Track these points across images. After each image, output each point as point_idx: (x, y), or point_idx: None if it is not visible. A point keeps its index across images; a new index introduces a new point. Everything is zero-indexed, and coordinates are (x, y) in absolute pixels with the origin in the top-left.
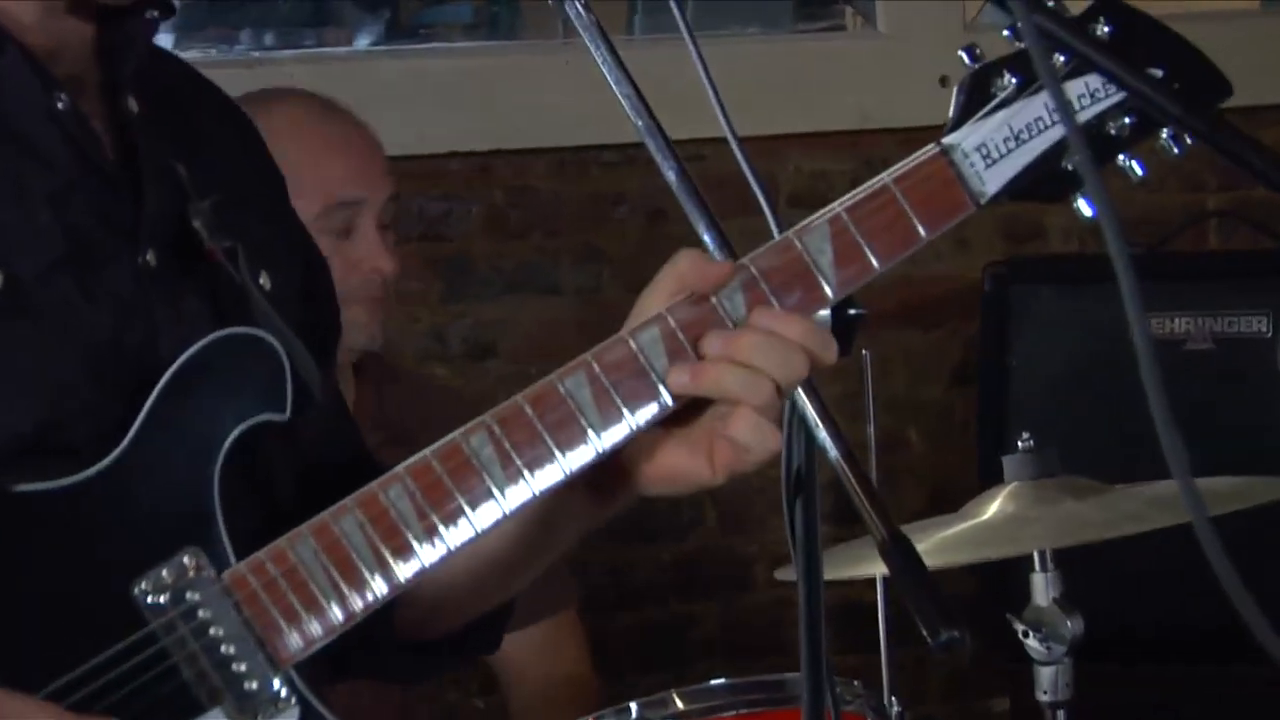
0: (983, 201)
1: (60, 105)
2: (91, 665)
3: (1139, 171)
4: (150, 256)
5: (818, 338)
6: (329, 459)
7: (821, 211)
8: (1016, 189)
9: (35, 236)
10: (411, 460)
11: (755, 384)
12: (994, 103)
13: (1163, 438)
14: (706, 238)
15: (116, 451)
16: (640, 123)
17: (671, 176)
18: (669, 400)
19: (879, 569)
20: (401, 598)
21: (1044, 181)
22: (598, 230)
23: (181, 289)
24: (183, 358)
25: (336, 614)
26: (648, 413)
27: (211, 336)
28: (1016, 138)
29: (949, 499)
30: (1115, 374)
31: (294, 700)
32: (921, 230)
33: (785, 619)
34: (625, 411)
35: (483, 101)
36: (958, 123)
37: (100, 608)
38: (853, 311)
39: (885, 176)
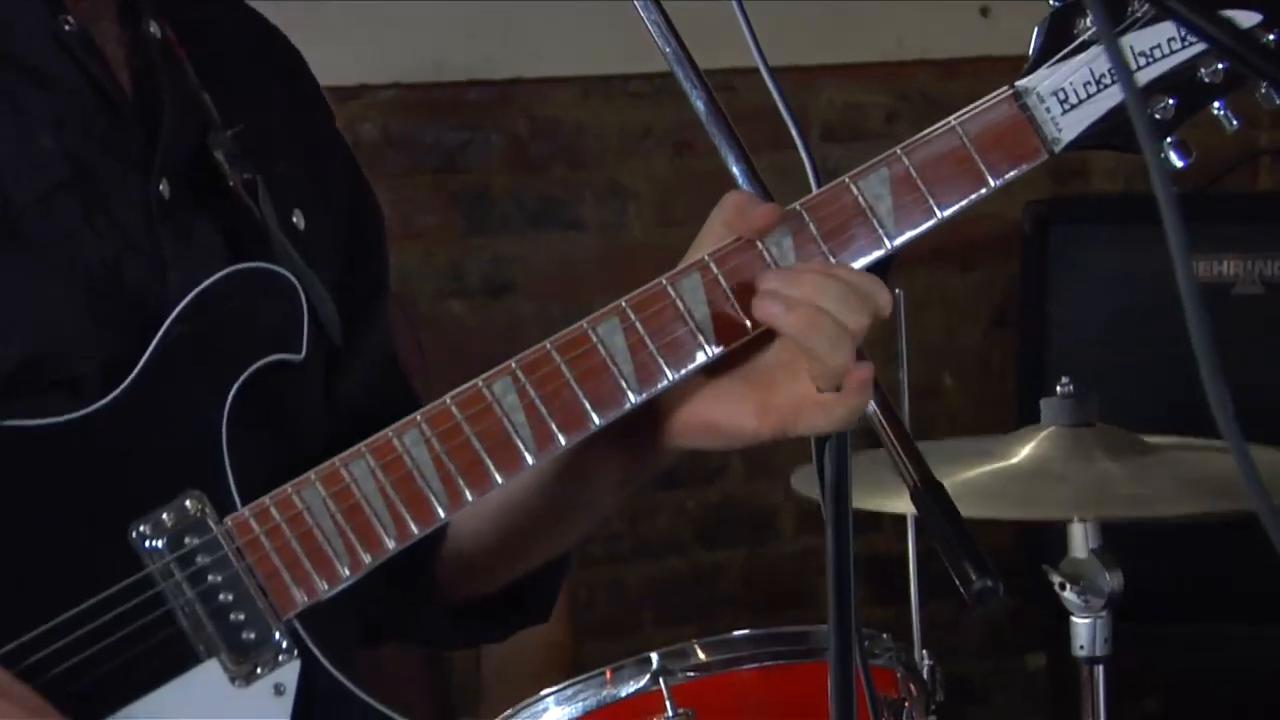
0: (1057, 149)
1: (68, 28)
2: (84, 607)
3: (1233, 123)
4: (163, 187)
5: (872, 285)
6: (373, 414)
7: (881, 156)
8: (1096, 137)
9: (34, 161)
10: (430, 406)
11: (820, 323)
12: (1075, 44)
13: (1209, 392)
14: (736, 171)
15: (121, 387)
16: (668, 50)
17: (700, 107)
18: (709, 349)
19: (909, 508)
20: (431, 554)
21: (1128, 129)
22: (623, 163)
23: (195, 222)
24: (195, 292)
25: (343, 563)
26: (686, 362)
27: (226, 271)
28: (1098, 82)
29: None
30: (1160, 320)
31: (296, 652)
32: (990, 177)
33: (811, 569)
34: (661, 361)
35: (503, 27)
36: (1035, 65)
37: (100, 549)
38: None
39: (952, 119)
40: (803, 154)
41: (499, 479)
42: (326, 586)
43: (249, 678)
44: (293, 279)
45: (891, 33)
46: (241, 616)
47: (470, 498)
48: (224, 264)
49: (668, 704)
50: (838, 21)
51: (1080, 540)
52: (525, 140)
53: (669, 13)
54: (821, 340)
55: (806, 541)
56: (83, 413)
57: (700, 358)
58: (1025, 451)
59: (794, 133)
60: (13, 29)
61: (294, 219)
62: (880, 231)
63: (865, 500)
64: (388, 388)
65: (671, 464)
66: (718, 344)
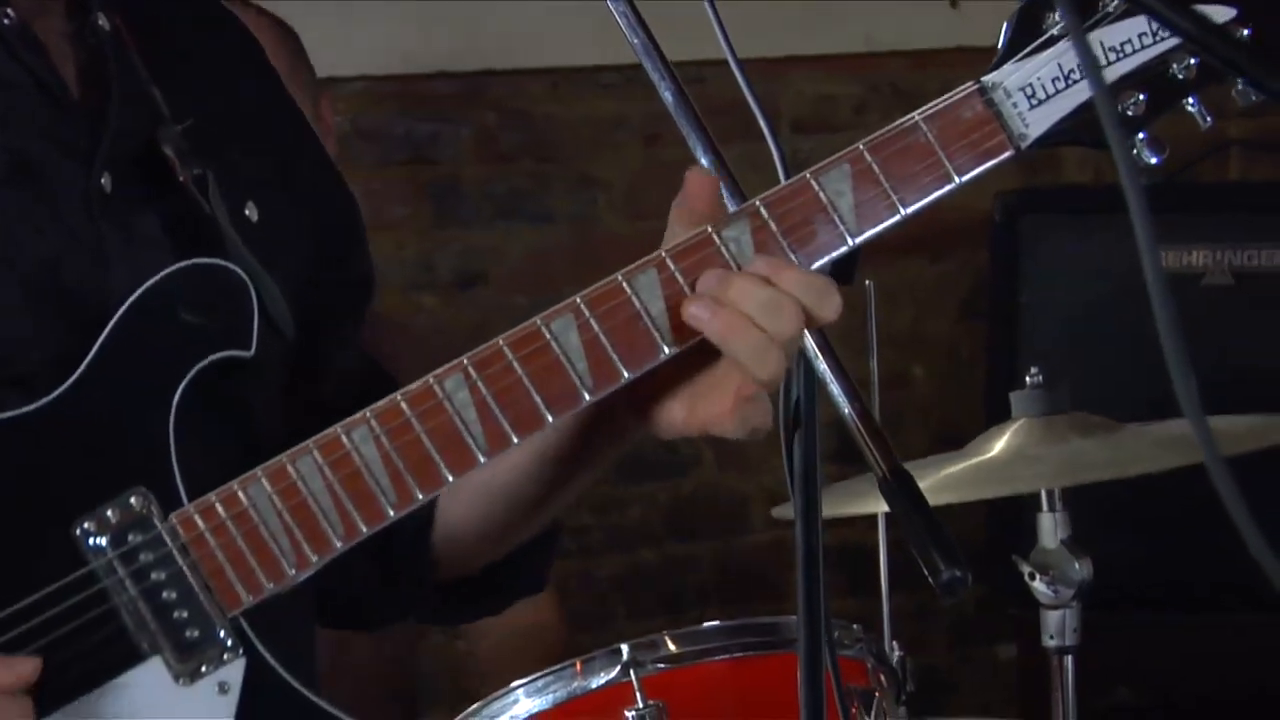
0: (1024, 145)
1: (6, 21)
2: (26, 603)
3: (1207, 119)
4: (105, 181)
5: (816, 292)
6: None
7: (843, 151)
8: (1064, 133)
9: None
10: (379, 403)
11: (742, 330)
12: (1043, 39)
13: (1174, 376)
14: (705, 162)
15: (68, 383)
16: (636, 41)
17: (669, 98)
18: (665, 349)
19: (880, 506)
20: (424, 537)
21: (1097, 125)
22: (593, 155)
23: (138, 217)
24: (143, 287)
25: (289, 562)
26: (643, 361)
27: (174, 267)
28: (1067, 78)
29: (955, 439)
30: (1131, 309)
31: (240, 651)
32: (954, 174)
33: (783, 561)
34: (616, 359)
35: (472, 19)
36: (1002, 60)
37: (45, 546)
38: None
39: (916, 115)
40: (771, 146)
41: (449, 477)
42: (272, 585)
43: (193, 676)
44: (242, 274)
45: (861, 24)
46: (185, 614)
47: (420, 496)
48: (167, 258)
49: (638, 695)
50: (808, 13)
51: (1050, 530)
52: (495, 132)
53: (637, 4)
54: (742, 347)
55: (777, 533)
56: (29, 408)
57: (657, 357)
58: (999, 445)
59: (763, 124)
60: None
61: (246, 211)
62: (842, 228)
63: (837, 508)
64: (366, 388)
65: (634, 440)
66: (675, 343)
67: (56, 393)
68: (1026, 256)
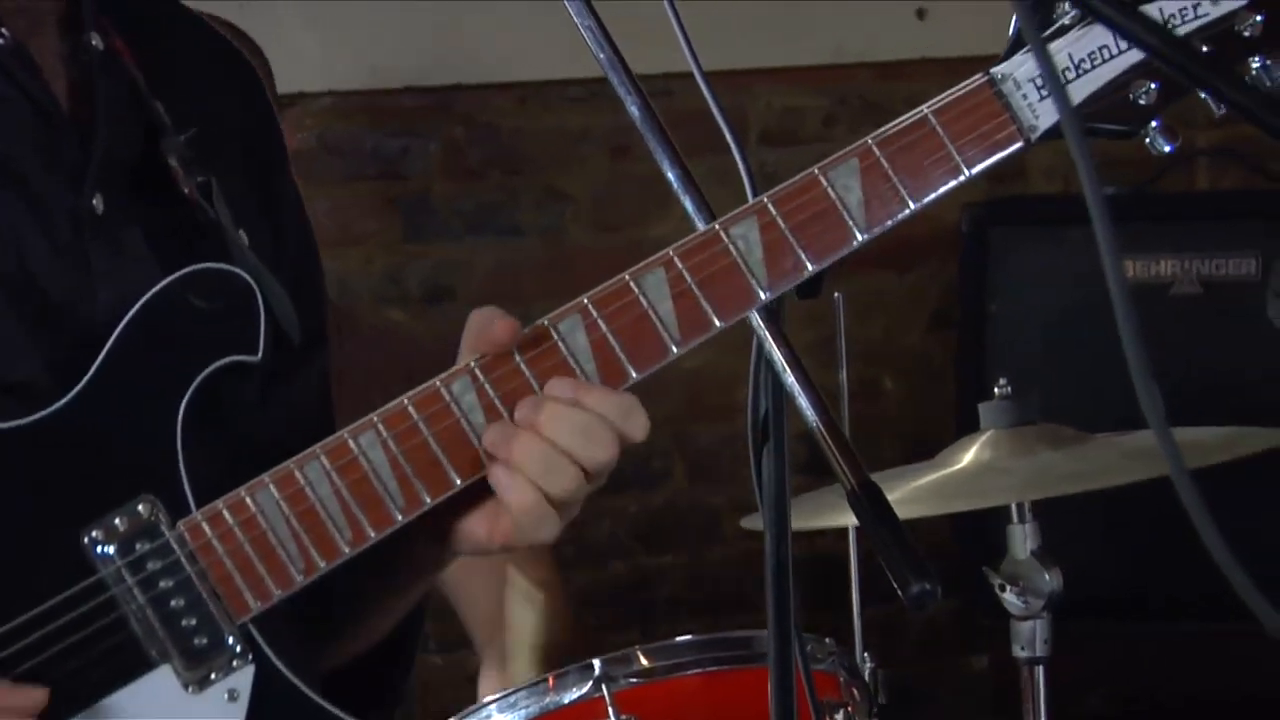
0: (1034, 136)
1: (1, 40)
2: (35, 613)
3: (1220, 109)
4: (97, 201)
5: (619, 410)
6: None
7: (851, 147)
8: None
9: None
10: (387, 407)
11: (556, 466)
12: (1053, 29)
13: (1138, 387)
14: (670, 176)
15: (74, 391)
16: (602, 56)
17: (635, 112)
18: (674, 348)
19: (850, 519)
20: None
21: (1107, 115)
22: (561, 169)
23: (129, 236)
24: (149, 294)
25: (297, 568)
26: (650, 360)
27: (181, 273)
28: (1077, 67)
29: (926, 450)
30: (1100, 319)
31: (250, 657)
32: (964, 167)
33: (755, 574)
34: (624, 359)
35: (440, 33)
36: (1011, 50)
37: (54, 555)
38: None
39: (925, 108)
40: (738, 158)
41: (456, 481)
42: (280, 591)
43: (202, 683)
44: (249, 279)
45: (829, 36)
46: (193, 622)
47: (427, 500)
48: (157, 275)
49: (610, 711)
50: (775, 25)
51: (1020, 541)
52: (463, 146)
53: (604, 18)
54: (522, 515)
55: (748, 545)
56: (36, 417)
57: (667, 356)
58: (968, 457)
59: (729, 137)
60: None
61: (239, 231)
62: (851, 224)
63: (807, 520)
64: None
65: (441, 566)
66: (683, 343)
67: (63, 401)
68: (995, 267)
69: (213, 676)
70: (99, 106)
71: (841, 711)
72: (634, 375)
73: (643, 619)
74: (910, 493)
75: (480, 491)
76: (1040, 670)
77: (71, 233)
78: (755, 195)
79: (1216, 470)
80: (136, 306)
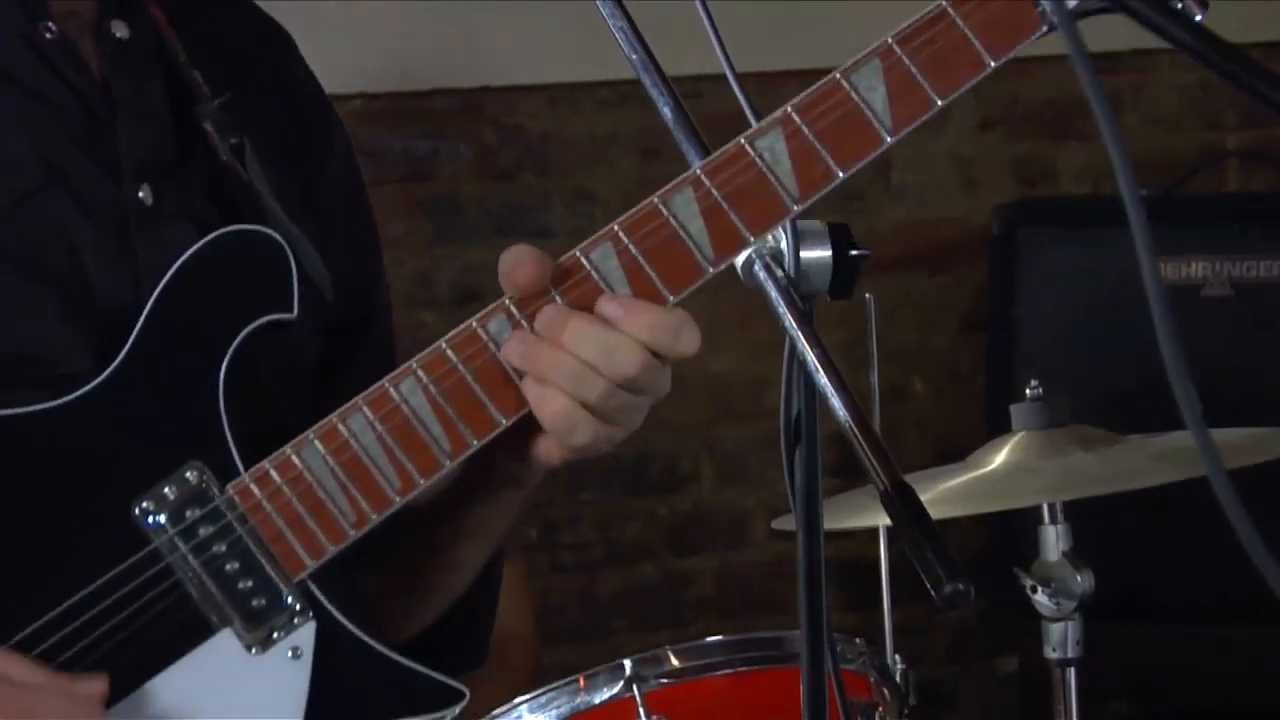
0: (1070, 4)
1: (49, 35)
2: (94, 587)
3: (1198, 16)
4: (144, 194)
5: (666, 329)
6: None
7: (872, 47)
8: (1094, 2)
9: (6, 168)
10: (425, 352)
11: (578, 374)
12: None
13: (1176, 389)
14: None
15: (113, 365)
16: (634, 57)
17: (667, 113)
18: (709, 267)
19: (880, 519)
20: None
21: None
22: (590, 171)
23: (176, 231)
24: (182, 258)
25: (348, 521)
26: (685, 281)
27: (209, 237)
28: None
29: (955, 452)
30: (1130, 321)
31: (310, 614)
32: (987, 58)
33: (784, 576)
34: (658, 282)
35: (470, 35)
36: None
37: (107, 529)
38: (855, 252)
39: (889, 37)
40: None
41: (501, 420)
42: (333, 546)
43: (265, 644)
44: (278, 237)
45: (857, 38)
46: (250, 584)
47: (474, 442)
48: None
49: (641, 711)
50: (801, 26)
51: (1051, 543)
52: (493, 148)
53: (635, 18)
54: (556, 422)
55: (778, 548)
56: (77, 394)
57: (702, 275)
58: (999, 459)
59: None
60: None
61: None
62: (878, 126)
63: (838, 521)
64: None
65: (506, 502)
66: (716, 261)
67: (103, 376)
68: (1024, 269)
69: (274, 636)
70: (118, 99)
71: (872, 712)
72: (670, 298)
73: (672, 621)
74: (941, 494)
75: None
76: (1072, 672)
77: (118, 226)
78: (810, 89)
79: (1245, 472)
80: (169, 273)
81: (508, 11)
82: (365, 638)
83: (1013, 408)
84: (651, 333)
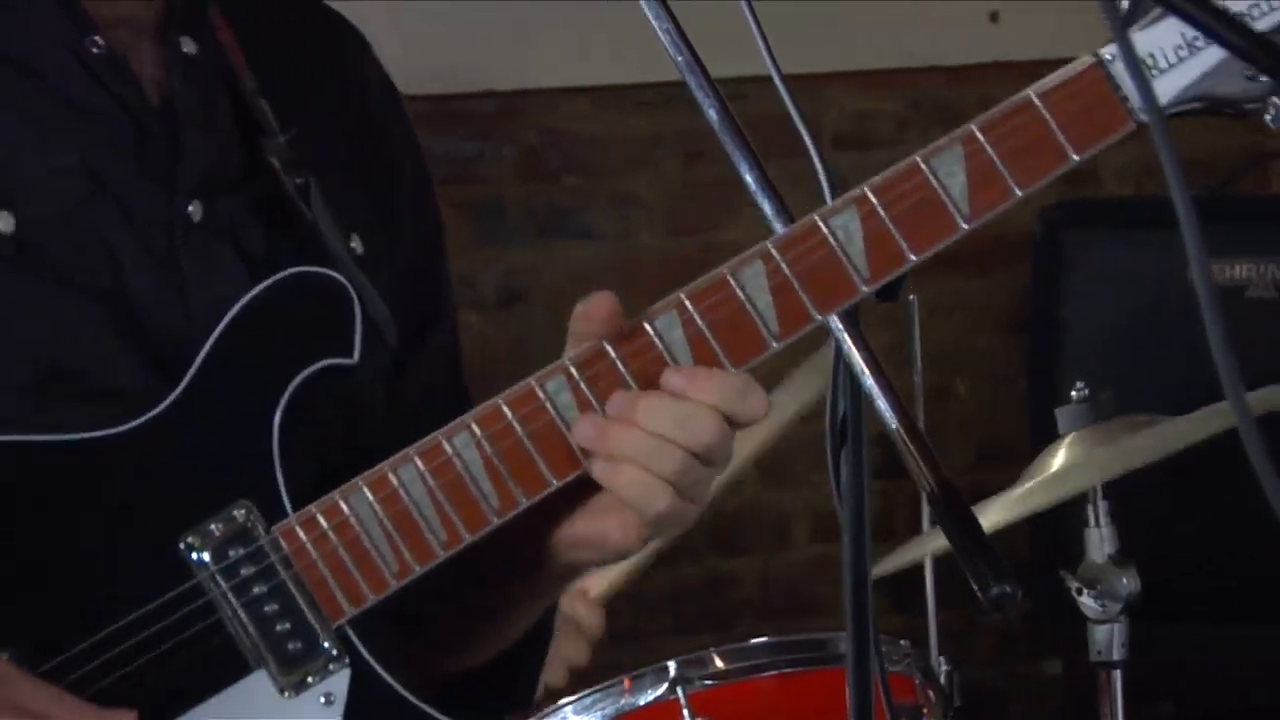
0: (1142, 117)
1: (96, 50)
2: (133, 618)
3: None
4: (194, 209)
5: (733, 394)
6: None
7: (954, 133)
8: (1186, 103)
9: (53, 180)
10: (480, 407)
11: (652, 448)
12: (1165, 4)
13: (1227, 390)
14: (749, 179)
15: (171, 398)
16: (680, 59)
17: (713, 115)
18: (773, 343)
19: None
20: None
21: (1220, 93)
22: (633, 173)
23: (223, 248)
24: (243, 300)
25: (390, 571)
26: (747, 355)
27: (276, 277)
28: (1190, 44)
29: (997, 454)
30: (1172, 324)
31: (346, 660)
32: (1071, 152)
33: (826, 578)
34: (720, 354)
35: (513, 37)
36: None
37: (151, 561)
38: None
39: (1031, 91)
40: (816, 161)
41: (552, 481)
42: (374, 595)
43: (298, 688)
44: (343, 281)
45: (901, 39)
46: (288, 626)
47: (523, 500)
48: (246, 283)
49: (685, 712)
50: (847, 28)
51: (1097, 544)
52: (536, 150)
53: (680, 20)
54: (632, 492)
55: (820, 550)
56: (133, 424)
57: (765, 350)
58: (1057, 464)
59: (807, 140)
60: (38, 50)
61: (352, 244)
62: (955, 213)
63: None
64: (442, 415)
65: (566, 582)
66: (781, 337)
67: (160, 408)
68: (1068, 270)
69: (309, 680)
70: (183, 114)
71: (917, 714)
72: (731, 369)
73: (715, 622)
74: (994, 503)
75: (590, 494)
76: (1118, 674)
77: (166, 242)
78: (833, 198)
79: None
80: (231, 312)
81: (551, 13)
82: (399, 688)
83: (1058, 411)
84: (720, 396)
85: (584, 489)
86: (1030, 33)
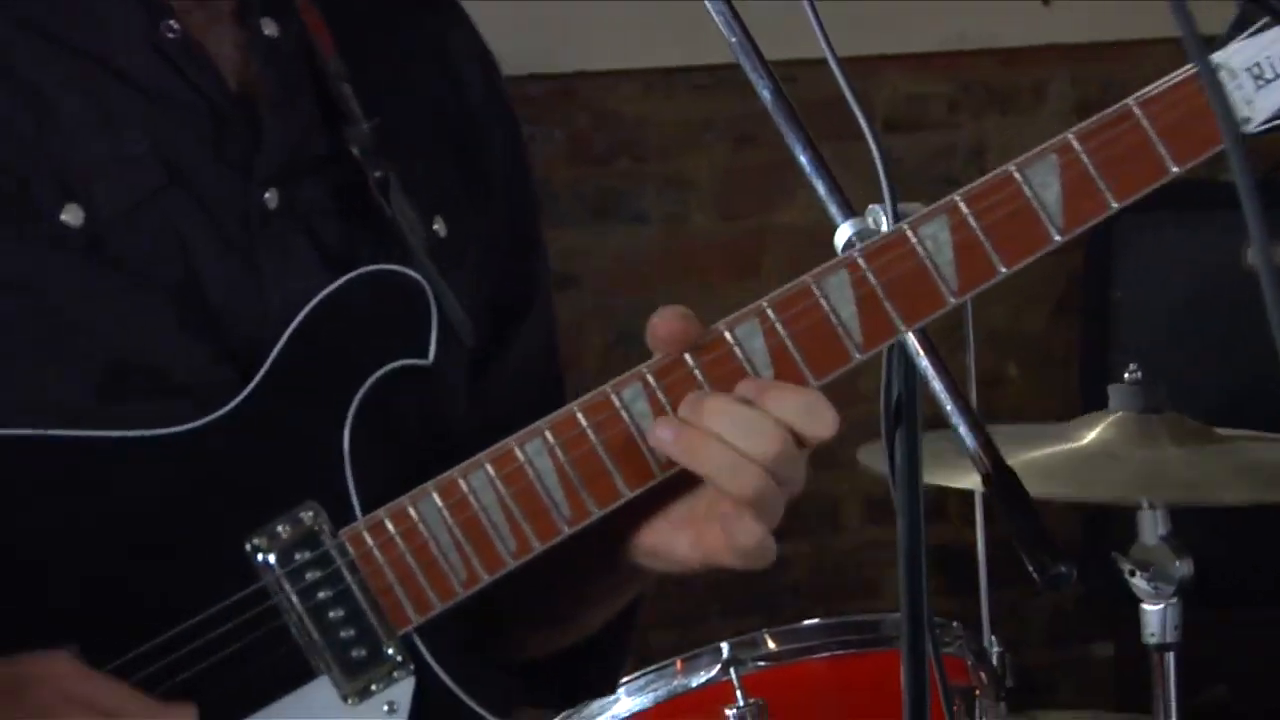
0: (1248, 128)
1: (171, 35)
2: (198, 620)
3: None
4: (270, 196)
5: (803, 411)
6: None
7: (1051, 142)
8: None
9: (125, 170)
10: (555, 414)
11: (711, 449)
12: (1272, 12)
13: None
14: (803, 159)
15: (242, 396)
16: (734, 40)
17: (766, 96)
18: (856, 354)
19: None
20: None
21: None
22: (684, 156)
23: (300, 238)
24: (318, 297)
25: (458, 579)
26: (830, 367)
27: (350, 275)
28: None
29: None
30: (1225, 308)
31: (411, 668)
32: (1170, 163)
33: (876, 561)
34: (802, 365)
35: (564, 21)
36: (1229, 37)
37: (218, 562)
38: None
39: (1131, 101)
40: (871, 143)
41: (625, 491)
42: (441, 602)
43: (362, 695)
44: (419, 279)
45: (953, 22)
46: (352, 633)
47: (595, 510)
48: (322, 275)
49: (738, 694)
50: (898, 11)
51: (1150, 527)
52: (587, 134)
53: (731, 2)
54: (715, 468)
55: (871, 533)
56: (203, 421)
57: (848, 361)
58: (1091, 435)
59: (862, 122)
60: (110, 36)
61: (435, 225)
62: (1048, 224)
63: (930, 475)
64: (532, 410)
65: (649, 587)
66: (865, 348)
67: (230, 405)
68: (1120, 253)
69: (372, 688)
70: (263, 99)
71: (970, 695)
72: (813, 383)
73: (767, 605)
74: (1027, 466)
75: (673, 513)
76: (1170, 657)
77: (241, 230)
78: (889, 181)
79: None
80: (305, 310)
81: None
82: (465, 698)
83: (1111, 388)
84: (786, 411)
85: (664, 498)
86: (1083, 16)
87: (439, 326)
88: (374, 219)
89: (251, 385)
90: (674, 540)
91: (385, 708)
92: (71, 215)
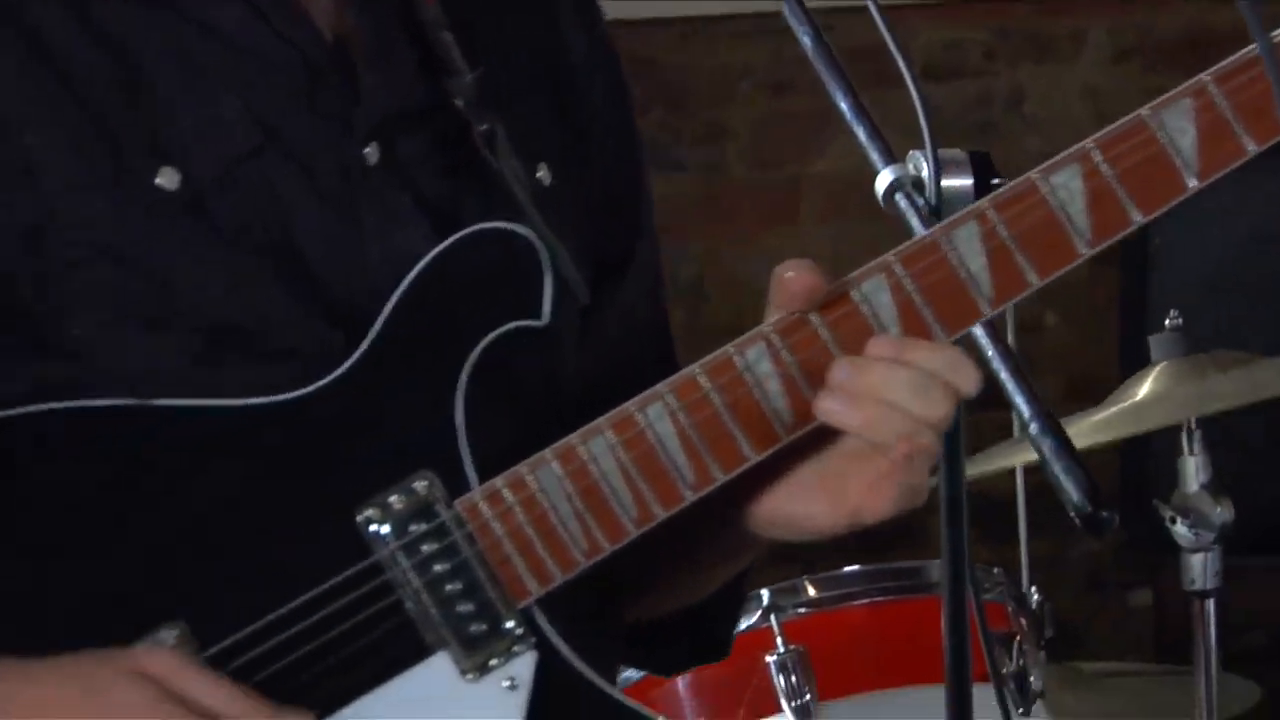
0: None
1: None
2: (309, 597)
3: None
4: (370, 150)
5: (951, 368)
6: (622, 384)
7: (1185, 85)
8: None
9: (220, 131)
10: (675, 376)
11: (890, 418)
12: None
13: None
14: (843, 105)
15: (349, 362)
16: None
17: (807, 42)
18: (987, 308)
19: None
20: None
21: None
22: (722, 105)
23: (401, 194)
24: (426, 258)
25: (578, 549)
26: (961, 322)
27: (459, 234)
28: None
29: (1088, 386)
30: (1266, 257)
31: (532, 642)
32: (1248, 143)
33: (913, 509)
34: (931, 321)
35: None
36: None
37: (327, 535)
38: (996, 180)
39: (1205, 75)
40: (911, 89)
41: (751, 455)
42: (562, 574)
43: (481, 671)
44: (532, 237)
45: None
46: (471, 607)
47: (720, 476)
48: (428, 237)
49: (779, 640)
50: None
51: (1191, 473)
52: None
53: None
54: (893, 434)
55: None
56: (309, 389)
57: (980, 316)
58: (1143, 390)
59: (903, 68)
60: None
61: (539, 174)
62: (1183, 170)
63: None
64: (639, 354)
65: (761, 553)
66: (994, 303)
67: (338, 372)
68: None
69: (491, 664)
70: (358, 51)
71: (1010, 641)
72: (944, 339)
73: (805, 552)
74: (1080, 429)
75: (804, 480)
76: (1210, 604)
77: (341, 186)
78: (929, 127)
79: None
80: (417, 268)
81: None
82: (587, 672)
83: (1151, 339)
84: (938, 365)
85: (781, 464)
86: None
87: (554, 285)
88: (477, 170)
89: (362, 349)
90: (808, 506)
91: (506, 683)
92: (167, 179)
